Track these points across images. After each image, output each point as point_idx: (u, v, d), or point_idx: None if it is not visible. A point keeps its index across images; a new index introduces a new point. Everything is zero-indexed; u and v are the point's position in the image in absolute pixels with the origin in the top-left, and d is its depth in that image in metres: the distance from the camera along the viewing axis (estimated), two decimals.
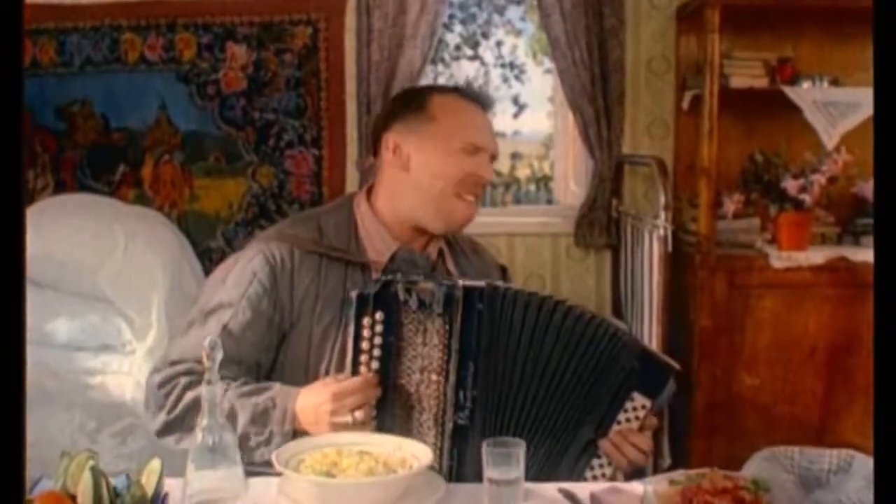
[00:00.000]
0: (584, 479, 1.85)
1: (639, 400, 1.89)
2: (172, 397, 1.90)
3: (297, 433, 1.82)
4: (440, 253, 2.14)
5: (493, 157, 2.11)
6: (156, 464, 1.40)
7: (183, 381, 1.91)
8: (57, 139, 4.33)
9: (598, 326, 1.88)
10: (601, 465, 1.88)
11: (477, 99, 2.13)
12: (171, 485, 1.45)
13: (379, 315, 1.81)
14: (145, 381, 2.00)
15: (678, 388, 3.49)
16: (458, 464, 1.80)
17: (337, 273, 1.99)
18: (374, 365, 1.80)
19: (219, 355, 1.50)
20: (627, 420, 1.89)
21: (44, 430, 3.27)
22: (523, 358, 1.84)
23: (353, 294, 1.82)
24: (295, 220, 2.13)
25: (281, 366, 1.99)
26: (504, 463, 1.55)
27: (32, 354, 3.38)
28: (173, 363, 1.94)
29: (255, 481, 1.62)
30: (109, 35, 4.25)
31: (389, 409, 1.81)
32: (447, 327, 1.80)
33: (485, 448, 1.56)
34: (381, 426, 1.79)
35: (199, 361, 1.86)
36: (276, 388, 1.87)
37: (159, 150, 4.29)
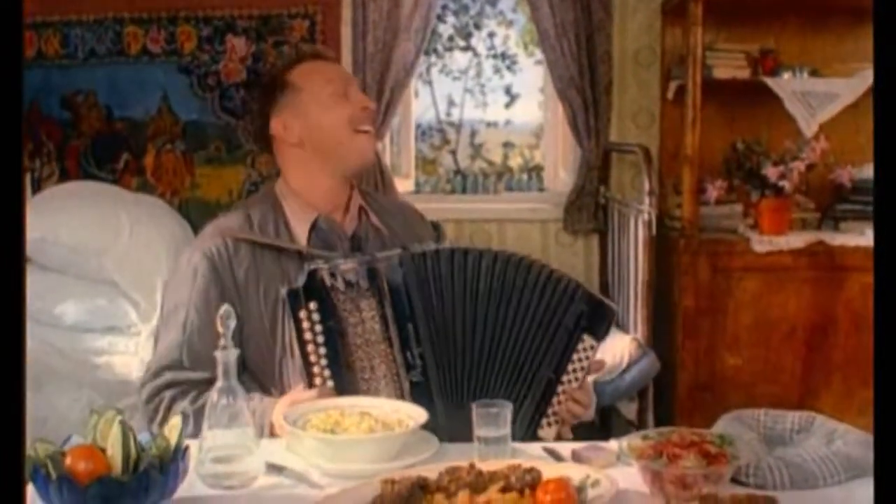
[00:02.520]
0: (540, 428, 1.97)
1: (588, 341, 2.00)
2: (161, 411, 2.01)
3: None
4: (361, 212, 2.25)
5: (359, 86, 2.29)
6: (176, 420, 1.54)
7: (167, 395, 2.02)
8: (62, 129, 4.42)
9: (532, 269, 2.00)
10: (549, 424, 1.99)
11: (322, 55, 2.31)
12: (189, 442, 1.58)
13: (313, 305, 1.89)
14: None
15: (662, 367, 3.64)
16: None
17: (271, 256, 2.11)
18: (322, 351, 1.89)
19: (232, 323, 1.63)
20: (580, 360, 2.00)
21: (54, 407, 3.37)
22: (461, 310, 1.95)
23: (283, 291, 1.91)
24: (227, 213, 2.24)
25: (246, 348, 2.05)
26: (492, 423, 1.68)
27: (42, 336, 3.54)
28: (154, 375, 2.05)
29: (265, 441, 1.76)
30: (112, 28, 4.35)
31: (349, 384, 1.90)
32: (378, 298, 1.91)
33: (474, 409, 1.68)
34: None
35: (174, 368, 2.03)
36: (256, 400, 1.96)
37: (161, 139, 4.39)
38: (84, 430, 1.55)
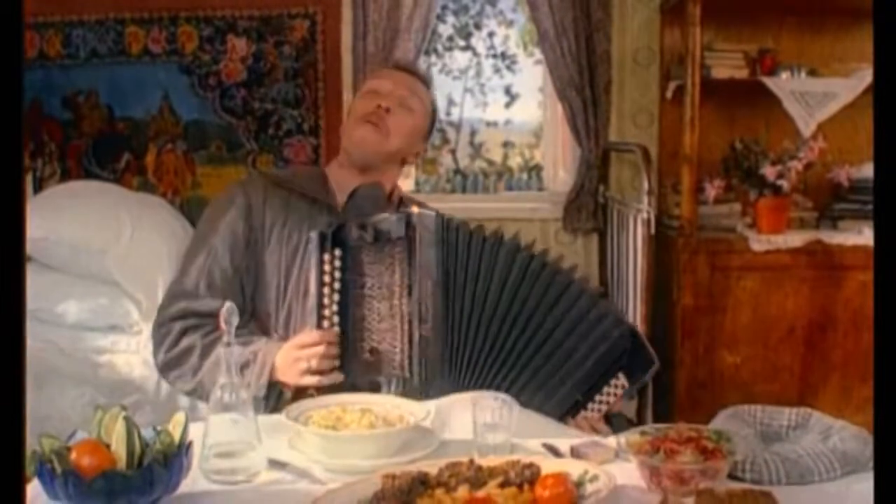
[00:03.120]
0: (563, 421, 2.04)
1: (621, 380, 2.08)
2: (170, 339, 2.13)
3: (272, 384, 2.04)
4: (400, 200, 2.37)
5: (392, 95, 2.32)
6: (180, 416, 1.55)
7: (178, 326, 2.13)
8: (63, 128, 4.42)
9: (559, 274, 2.11)
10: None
11: (402, 68, 2.47)
12: (192, 434, 1.60)
13: (338, 252, 2.00)
14: None
15: (662, 366, 3.64)
16: (425, 370, 1.97)
17: (303, 207, 2.24)
18: (336, 297, 1.99)
19: (235, 319, 1.65)
20: (608, 394, 2.08)
21: (56, 406, 3.38)
22: (472, 286, 2.02)
23: (314, 234, 2.02)
24: (274, 169, 2.38)
25: (260, 285, 2.20)
26: (493, 419, 1.70)
27: (44, 335, 3.56)
28: (169, 302, 2.18)
29: (267, 437, 1.77)
30: (114, 28, 4.35)
31: (356, 332, 2.00)
32: (407, 249, 1.98)
33: (475, 403, 1.70)
34: (347, 355, 1.98)
35: (189, 297, 2.14)
36: (262, 342, 2.08)
37: (162, 138, 4.39)
38: (86, 429, 1.57)
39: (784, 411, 1.84)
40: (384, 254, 1.99)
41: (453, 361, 2.00)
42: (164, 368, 2.17)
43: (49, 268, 3.69)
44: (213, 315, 1.96)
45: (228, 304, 1.66)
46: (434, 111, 2.46)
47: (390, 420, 1.74)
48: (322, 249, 1.99)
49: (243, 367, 2.00)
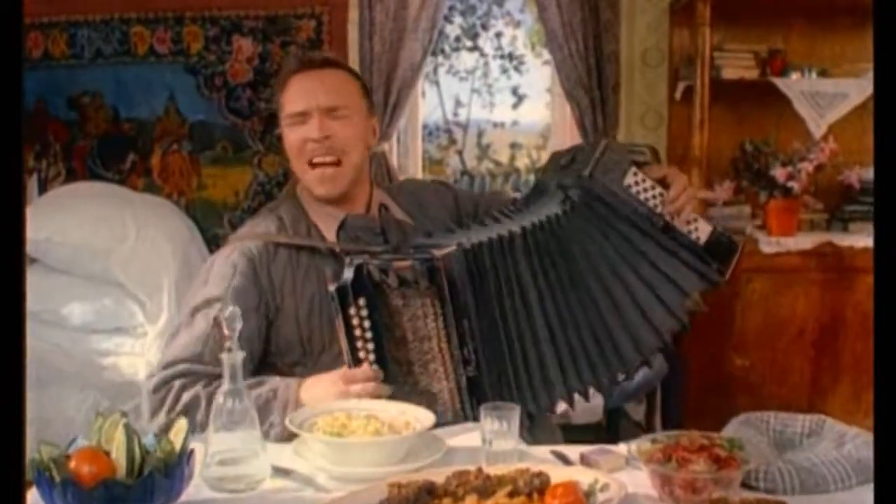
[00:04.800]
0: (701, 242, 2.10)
1: (629, 178, 2.07)
2: (170, 399, 1.95)
3: None
4: (381, 207, 2.23)
5: (333, 110, 2.14)
6: (182, 423, 1.53)
7: (178, 383, 1.97)
8: (68, 129, 4.40)
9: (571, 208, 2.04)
10: (695, 227, 2.11)
11: (311, 64, 2.20)
12: (194, 445, 1.57)
13: (362, 301, 1.89)
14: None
15: (670, 370, 3.62)
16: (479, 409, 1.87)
17: (307, 256, 2.11)
18: (370, 346, 1.90)
19: (238, 325, 1.62)
20: (646, 189, 2.07)
21: (60, 408, 3.35)
22: (510, 301, 1.95)
23: (332, 289, 1.89)
24: (257, 218, 2.23)
25: (278, 348, 2.08)
26: (500, 426, 1.67)
27: (48, 336, 3.54)
28: (166, 366, 2.01)
29: (271, 444, 1.75)
30: (119, 28, 4.33)
31: (397, 381, 1.91)
32: (438, 296, 1.86)
33: (482, 412, 1.67)
34: (396, 398, 1.87)
35: (191, 361, 1.98)
36: (276, 380, 1.96)
37: (168, 139, 4.37)
38: (88, 434, 1.54)
39: (797, 418, 1.81)
40: (413, 301, 1.89)
41: (511, 386, 1.93)
42: (166, 431, 2.01)
43: (53, 269, 3.68)
44: (218, 377, 1.76)
45: (231, 310, 1.63)
46: (358, 79, 2.27)
47: (396, 427, 1.70)
48: (345, 305, 1.89)
49: (264, 406, 1.89)
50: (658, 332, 2.09)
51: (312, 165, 2.14)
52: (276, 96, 2.22)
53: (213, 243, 4.22)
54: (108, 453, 1.47)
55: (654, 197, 2.08)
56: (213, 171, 4.38)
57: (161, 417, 1.95)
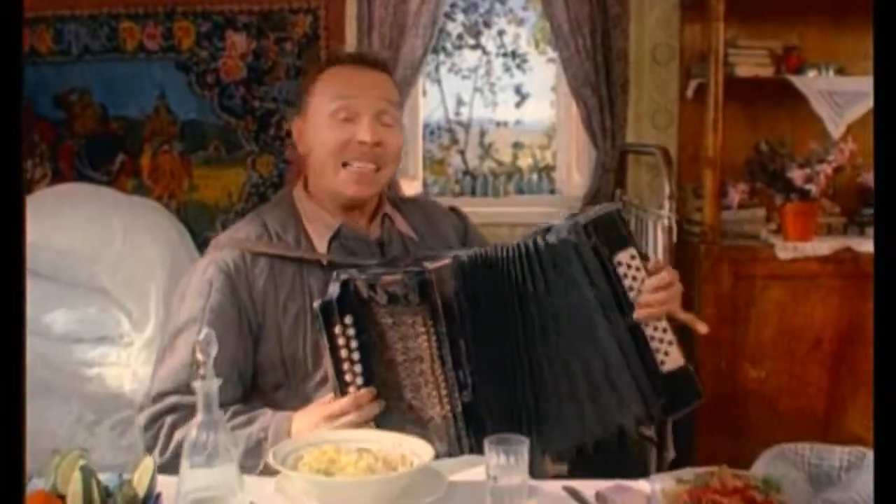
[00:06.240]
0: (662, 365, 1.87)
1: (624, 255, 1.86)
2: (162, 439, 1.85)
3: None
4: (385, 218, 2.10)
5: (382, 114, 2.02)
6: (148, 462, 1.37)
7: (169, 419, 1.86)
8: (55, 128, 4.32)
9: (555, 244, 1.87)
10: (665, 352, 1.88)
11: (364, 61, 2.08)
12: (166, 482, 1.41)
13: (348, 319, 1.76)
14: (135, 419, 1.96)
15: None
16: (476, 441, 1.75)
17: (291, 266, 1.97)
18: (358, 368, 1.76)
19: (213, 350, 1.45)
20: (634, 278, 1.86)
21: (42, 422, 3.24)
22: (511, 316, 1.82)
23: (316, 305, 1.77)
24: (242, 222, 2.08)
25: (260, 368, 1.95)
26: (506, 460, 1.52)
27: (30, 346, 3.34)
28: (155, 399, 1.89)
29: (251, 480, 1.58)
30: (107, 23, 4.24)
31: (387, 406, 1.77)
32: (429, 315, 1.75)
33: (487, 445, 1.52)
34: (385, 424, 1.75)
35: (180, 392, 1.85)
36: (268, 415, 1.84)
37: (158, 139, 4.28)
38: (71, 446, 1.39)
39: (835, 451, 1.65)
40: (404, 318, 1.76)
41: (511, 413, 1.80)
42: (166, 469, 1.92)
43: (36, 275, 3.52)
44: None
45: (206, 333, 1.46)
46: (399, 94, 2.17)
47: (391, 461, 1.54)
48: (329, 323, 1.76)
49: (255, 447, 1.77)
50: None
51: (346, 166, 1.99)
52: (311, 84, 2.06)
53: (205, 248, 4.08)
54: (63, 497, 1.30)
55: (638, 291, 1.87)
56: (206, 172, 4.28)
57: (157, 459, 1.84)
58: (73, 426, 3.32)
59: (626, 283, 1.85)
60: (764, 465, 1.58)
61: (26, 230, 1.34)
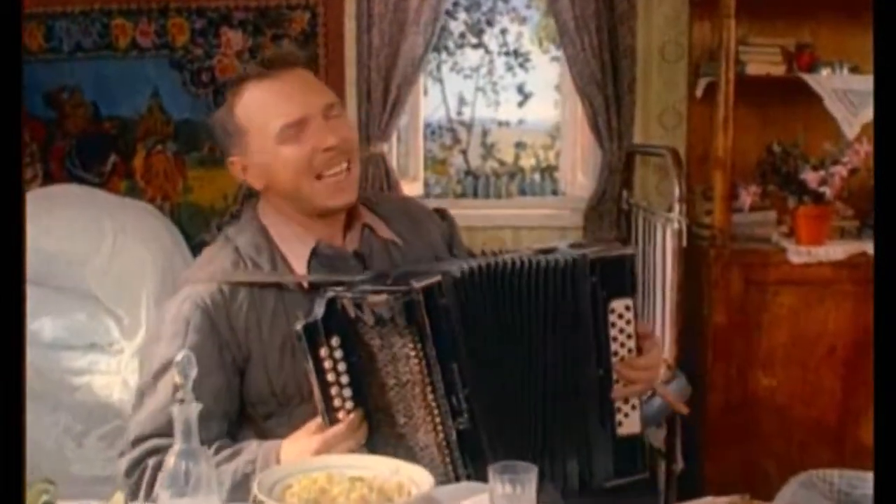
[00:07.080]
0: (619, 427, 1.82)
1: (619, 303, 1.80)
2: (144, 485, 1.76)
3: None
4: (364, 227, 2.00)
5: (329, 109, 1.91)
6: (119, 498, 1.26)
7: (151, 462, 1.77)
8: (45, 128, 4.29)
9: (554, 267, 1.80)
10: (625, 414, 1.82)
11: (274, 65, 1.94)
12: None
13: (335, 341, 1.67)
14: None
15: (692, 390, 3.40)
16: (474, 471, 1.67)
17: (273, 294, 1.86)
18: (347, 393, 1.68)
19: (192, 372, 1.35)
20: (621, 331, 1.81)
21: (29, 432, 3.15)
22: (500, 334, 1.76)
23: (299, 327, 1.67)
24: (211, 252, 1.97)
25: (249, 400, 1.87)
26: (511, 490, 1.41)
27: None
28: (134, 443, 1.81)
29: None
30: (99, 20, 4.21)
31: (379, 432, 1.70)
32: (418, 337, 1.66)
33: (491, 473, 1.41)
34: (377, 451, 1.67)
35: (162, 434, 1.76)
36: (254, 446, 1.75)
37: (151, 139, 4.26)
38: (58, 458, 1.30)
39: (866, 477, 1.57)
40: (392, 340, 1.67)
41: (508, 439, 1.73)
42: None
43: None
44: None
45: (184, 353, 1.35)
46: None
47: (387, 491, 1.44)
48: (315, 345, 1.66)
49: (243, 481, 1.67)
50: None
51: (320, 178, 1.88)
52: (229, 121, 1.92)
53: (200, 251, 4.01)
54: None
55: (621, 344, 1.83)
56: (200, 173, 4.24)
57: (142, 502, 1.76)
58: (60, 437, 3.29)
59: (612, 332, 1.81)
60: (791, 494, 1.50)
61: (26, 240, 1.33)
